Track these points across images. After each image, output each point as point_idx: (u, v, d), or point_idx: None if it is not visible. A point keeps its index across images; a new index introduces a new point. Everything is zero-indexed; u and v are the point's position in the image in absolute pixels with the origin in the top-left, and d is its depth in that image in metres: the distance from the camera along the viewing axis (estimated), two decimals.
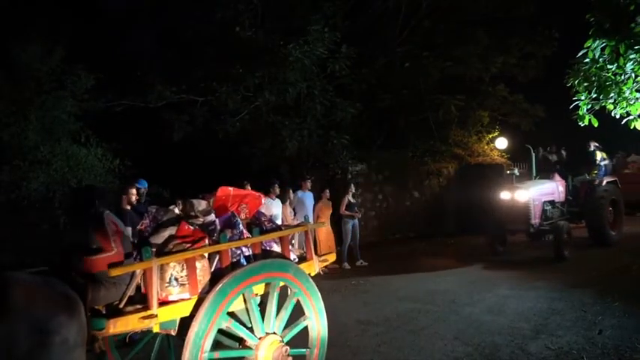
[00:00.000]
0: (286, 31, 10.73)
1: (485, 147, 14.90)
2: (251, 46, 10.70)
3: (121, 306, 3.02)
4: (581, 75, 5.96)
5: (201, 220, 3.54)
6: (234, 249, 3.53)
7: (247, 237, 3.66)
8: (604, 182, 10.03)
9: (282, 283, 3.63)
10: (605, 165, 10.44)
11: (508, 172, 10.03)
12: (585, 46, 5.52)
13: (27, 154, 8.58)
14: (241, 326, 3.34)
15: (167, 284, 3.12)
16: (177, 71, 11.16)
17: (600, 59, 5.62)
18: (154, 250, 3.13)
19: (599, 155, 10.39)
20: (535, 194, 9.11)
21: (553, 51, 14.47)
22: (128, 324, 2.92)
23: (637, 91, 5.49)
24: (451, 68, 13.79)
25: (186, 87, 11.02)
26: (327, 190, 9.33)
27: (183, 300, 3.15)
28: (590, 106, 6.01)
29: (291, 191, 8.65)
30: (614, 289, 6.57)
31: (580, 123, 6.13)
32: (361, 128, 12.68)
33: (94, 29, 11.07)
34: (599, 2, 5.54)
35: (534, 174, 10.23)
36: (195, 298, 3.17)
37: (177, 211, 3.68)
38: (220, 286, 3.12)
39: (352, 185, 9.83)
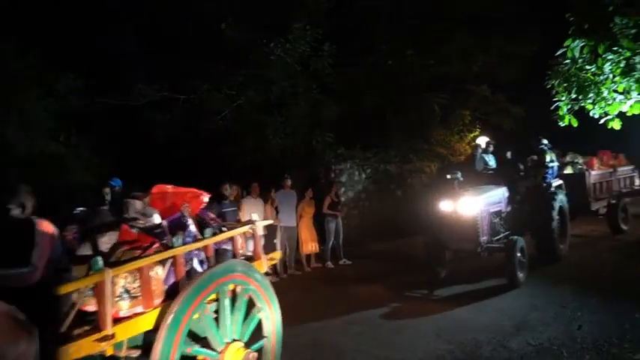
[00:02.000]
0: (269, 28, 10.66)
1: (467, 146, 15.04)
2: (234, 43, 10.59)
3: (64, 330, 2.57)
4: (561, 76, 6.06)
5: (143, 222, 3.24)
6: (186, 252, 3.27)
7: (200, 239, 3.41)
8: (552, 187, 8.76)
9: (232, 286, 3.42)
10: (553, 167, 9.01)
11: (449, 176, 7.99)
12: (564, 45, 5.61)
13: (2, 154, 8.37)
14: (202, 349, 3.10)
15: (117, 298, 2.76)
16: (160, 69, 11.00)
17: (580, 60, 5.72)
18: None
19: (548, 156, 8.95)
20: (484, 204, 7.37)
21: (534, 52, 14.66)
22: (81, 349, 2.53)
23: (615, 91, 5.60)
24: (435, 67, 13.87)
25: (168, 85, 10.89)
26: (310, 189, 9.29)
27: (136, 315, 2.82)
28: (570, 106, 6.11)
29: (273, 190, 8.61)
30: (592, 286, 6.70)
31: (560, 123, 6.24)
32: (345, 127, 12.68)
33: (73, 26, 10.83)
34: (579, 2, 5.63)
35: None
36: (150, 312, 2.88)
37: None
38: (181, 300, 2.84)
39: (335, 184, 9.81)
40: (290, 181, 8.98)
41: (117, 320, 2.72)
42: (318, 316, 6.10)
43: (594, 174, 10.44)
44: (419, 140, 13.89)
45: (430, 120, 14.21)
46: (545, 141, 9.17)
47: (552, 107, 6.29)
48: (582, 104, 5.97)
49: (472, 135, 15.08)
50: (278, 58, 10.38)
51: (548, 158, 8.88)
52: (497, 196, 7.86)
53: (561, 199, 8.66)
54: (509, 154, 9.14)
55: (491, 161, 9.01)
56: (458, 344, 4.88)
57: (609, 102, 5.70)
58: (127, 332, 2.77)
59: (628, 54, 5.20)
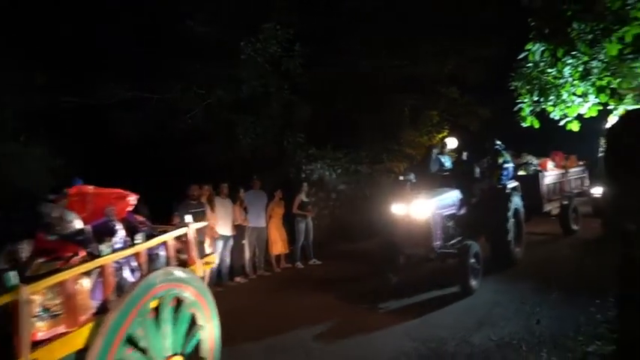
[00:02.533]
0: (240, 27, 10.58)
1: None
2: (204, 42, 10.45)
3: None
4: (523, 78, 6.24)
5: (61, 228, 2.88)
6: (117, 261, 2.97)
7: (131, 245, 3.13)
8: (507, 188, 8.48)
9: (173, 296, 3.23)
10: (508, 168, 8.72)
11: (401, 177, 7.83)
12: (526, 48, 5.77)
13: None
14: None
15: (34, 318, 2.41)
16: (129, 67, 10.73)
17: (541, 63, 5.89)
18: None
19: (502, 157, 8.70)
20: (436, 207, 7.11)
21: (500, 56, 15.02)
22: None
23: (574, 94, 5.79)
24: (407, 68, 14.05)
25: (138, 84, 10.65)
26: (280, 190, 9.27)
27: (59, 335, 2.51)
28: (532, 108, 6.29)
29: (242, 191, 8.55)
30: (551, 281, 6.91)
31: (523, 124, 6.41)
32: (316, 127, 12.70)
33: (37, 20, 10.47)
34: (540, 8, 5.81)
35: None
36: (76, 330, 2.57)
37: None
38: (113, 315, 2.58)
39: (305, 184, 9.82)
40: (259, 182, 8.94)
41: (36, 344, 2.40)
42: (288, 317, 6.11)
43: (548, 175, 10.54)
44: (390, 141, 14.04)
45: (400, 121, 14.38)
46: (498, 142, 8.95)
47: (515, 109, 6.47)
48: (543, 106, 6.14)
49: (440, 136, 15.33)
50: (249, 57, 10.32)
51: (502, 159, 8.63)
52: (450, 199, 7.59)
53: (516, 201, 8.49)
54: (464, 156, 8.89)
55: (447, 162, 8.79)
56: (423, 341, 4.96)
57: (568, 104, 5.88)
58: (49, 356, 2.44)
59: (586, 58, 5.38)
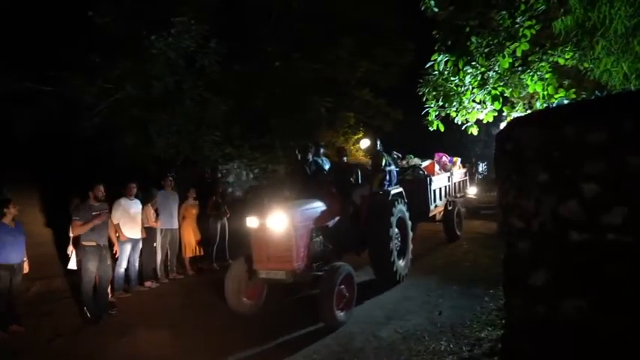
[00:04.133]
0: (149, 21, 10.08)
1: (352, 147, 15.78)
2: (109, 34, 9.82)
3: None
4: (430, 85, 6.64)
5: None
6: None
7: None
8: (390, 195, 7.49)
9: None
10: (390, 171, 7.90)
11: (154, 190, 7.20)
12: (432, 59, 6.17)
13: None
14: None
15: None
16: (21, 56, 9.75)
17: (445, 72, 6.32)
18: None
19: (384, 159, 7.85)
20: (301, 219, 5.85)
21: (410, 61, 15.87)
22: None
23: (473, 101, 6.28)
24: (321, 71, 14.32)
25: (31, 75, 9.71)
26: (193, 189, 9.02)
27: None
28: (437, 112, 6.72)
29: (155, 190, 8.23)
30: (453, 275, 7.45)
31: (430, 127, 6.83)
32: (233, 126, 12.51)
33: None
34: (444, 22, 6.25)
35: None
36: None
37: None
38: None
39: (220, 184, 9.64)
40: (172, 181, 8.62)
41: None
42: (195, 321, 6.00)
43: (436, 180, 9.88)
44: (307, 141, 14.20)
45: (317, 121, 14.63)
46: (379, 143, 8.30)
47: (422, 113, 6.87)
48: (447, 111, 6.60)
49: (356, 137, 15.86)
50: (160, 52, 9.87)
51: (384, 162, 7.77)
52: (319, 209, 6.35)
53: (401, 209, 7.50)
54: (345, 159, 7.91)
55: (326, 166, 7.79)
56: (333, 337, 5.12)
57: (469, 110, 6.38)
58: None
59: (483, 69, 5.88)
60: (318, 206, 6.39)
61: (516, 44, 5.40)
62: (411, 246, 7.90)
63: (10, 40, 9.81)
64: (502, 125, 6.25)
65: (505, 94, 6.09)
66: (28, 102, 9.89)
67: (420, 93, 6.86)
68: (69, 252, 6.82)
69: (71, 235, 6.67)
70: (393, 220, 7.07)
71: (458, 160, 11.84)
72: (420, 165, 10.29)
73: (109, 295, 6.76)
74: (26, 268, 6.03)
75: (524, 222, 2.35)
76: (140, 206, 7.65)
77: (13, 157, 9.68)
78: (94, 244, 6.16)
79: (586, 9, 4.73)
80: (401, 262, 7.29)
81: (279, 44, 13.72)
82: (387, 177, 7.72)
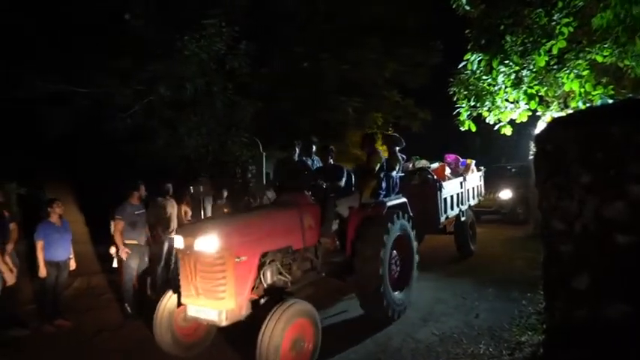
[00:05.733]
0: (181, 24, 10.29)
1: (381, 148, 15.69)
2: (143, 37, 10.08)
3: None
4: (462, 84, 6.58)
5: None
6: None
7: None
8: (385, 207, 5.95)
9: None
10: (391, 177, 6.52)
11: (192, 189, 6.12)
12: (465, 58, 6.11)
13: None
14: None
15: None
16: (57, 59, 10.07)
17: (478, 71, 6.25)
18: None
19: (378, 163, 6.27)
20: (239, 241, 4.29)
21: (439, 61, 15.71)
22: None
23: (506, 100, 6.18)
24: (348, 72, 14.32)
25: (67, 78, 10.02)
26: (225, 189, 9.12)
27: None
28: (469, 112, 6.64)
29: (191, 188, 8.38)
30: (488, 277, 7.34)
31: (461, 127, 6.76)
32: (262, 127, 12.64)
33: None
34: (477, 20, 6.18)
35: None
36: None
37: None
38: None
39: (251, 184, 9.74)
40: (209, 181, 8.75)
41: None
42: None
43: (447, 186, 8.43)
44: (336, 141, 14.23)
45: (345, 122, 14.64)
46: (399, 141, 7.28)
47: (454, 112, 6.80)
48: (480, 111, 6.52)
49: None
50: (192, 54, 10.07)
51: (377, 166, 6.20)
52: (283, 226, 4.85)
53: (402, 225, 5.98)
54: (332, 160, 6.58)
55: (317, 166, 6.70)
56: (371, 337, 5.13)
57: (502, 110, 6.29)
58: None
59: (517, 68, 5.78)
60: (277, 221, 4.85)
61: (553, 42, 5.28)
62: (414, 271, 6.30)
63: (47, 42, 10.20)
64: (539, 125, 6.13)
65: (540, 93, 5.97)
66: (63, 103, 10.23)
67: (451, 92, 6.80)
68: (112, 252, 6.70)
69: (114, 234, 6.60)
70: (388, 239, 5.51)
71: (472, 162, 10.19)
72: (429, 168, 8.89)
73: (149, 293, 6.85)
74: (73, 265, 6.26)
75: (566, 224, 2.32)
76: (175, 205, 7.76)
77: (50, 159, 10.07)
78: (135, 242, 6.34)
79: (626, 3, 4.60)
80: (397, 294, 5.64)
81: (306, 45, 13.78)
82: (384, 185, 6.24)
